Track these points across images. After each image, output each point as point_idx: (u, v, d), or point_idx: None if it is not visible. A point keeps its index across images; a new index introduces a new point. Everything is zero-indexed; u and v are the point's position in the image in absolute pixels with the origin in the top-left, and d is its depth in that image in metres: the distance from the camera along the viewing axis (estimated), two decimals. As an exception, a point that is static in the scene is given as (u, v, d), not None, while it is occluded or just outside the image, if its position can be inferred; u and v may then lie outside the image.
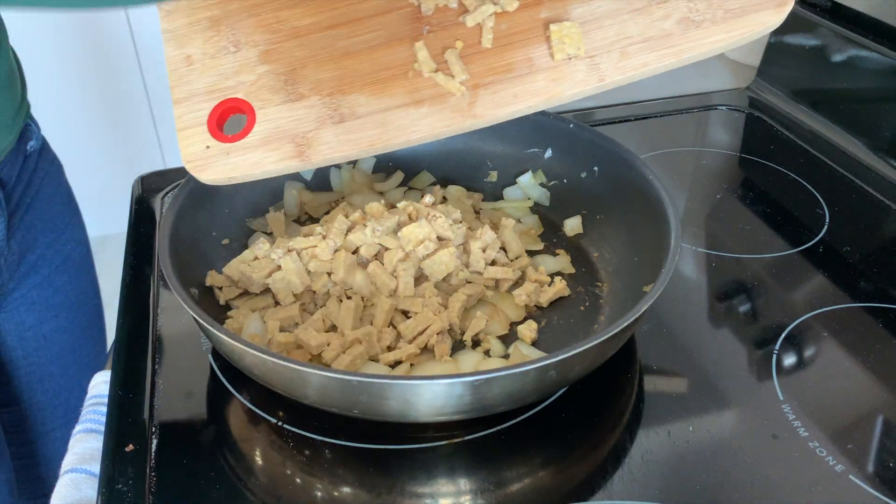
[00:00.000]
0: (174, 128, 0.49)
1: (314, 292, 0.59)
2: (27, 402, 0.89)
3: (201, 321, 0.47)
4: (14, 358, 0.86)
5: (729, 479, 0.47)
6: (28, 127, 0.78)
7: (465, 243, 0.63)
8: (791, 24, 0.87)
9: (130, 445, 0.49)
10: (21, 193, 0.77)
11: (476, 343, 0.58)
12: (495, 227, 0.67)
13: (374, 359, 0.54)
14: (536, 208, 0.71)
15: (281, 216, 0.67)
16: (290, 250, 0.59)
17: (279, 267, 0.59)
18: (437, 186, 0.72)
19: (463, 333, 0.57)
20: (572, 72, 0.48)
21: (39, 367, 0.88)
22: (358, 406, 0.46)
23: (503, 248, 0.64)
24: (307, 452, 0.49)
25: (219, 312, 0.58)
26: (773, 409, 0.52)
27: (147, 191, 0.76)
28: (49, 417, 0.91)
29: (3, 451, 0.81)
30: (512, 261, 0.64)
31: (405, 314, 0.58)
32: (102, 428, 0.54)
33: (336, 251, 0.60)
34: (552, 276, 0.63)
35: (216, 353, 0.56)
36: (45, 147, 0.83)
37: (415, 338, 0.55)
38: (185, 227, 0.57)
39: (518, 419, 0.51)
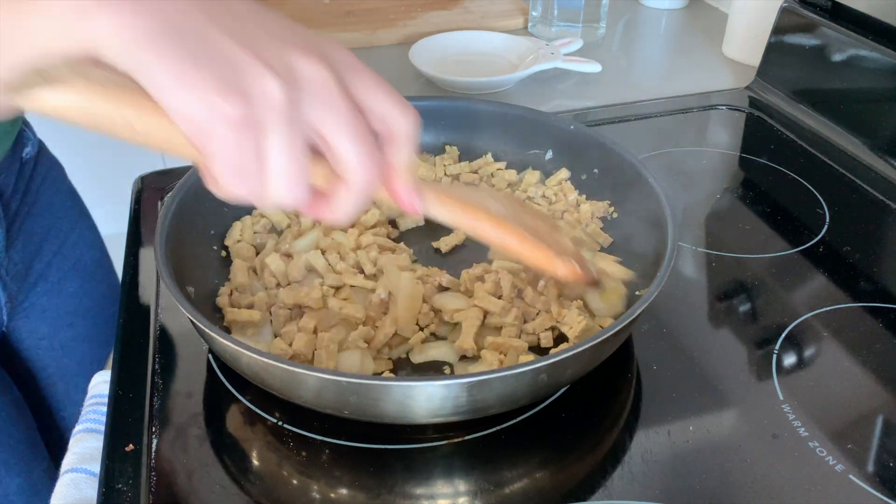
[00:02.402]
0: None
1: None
2: (45, 410, 0.87)
3: (196, 321, 0.47)
4: (31, 368, 0.84)
5: (729, 479, 0.47)
6: (23, 133, 0.76)
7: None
8: (791, 24, 0.87)
9: (130, 445, 0.49)
10: (19, 202, 0.76)
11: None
12: None
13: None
14: (536, 208, 0.71)
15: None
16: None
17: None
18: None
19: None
20: None
21: (60, 378, 0.85)
22: (349, 407, 0.46)
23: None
24: (306, 452, 0.49)
25: (214, 311, 0.58)
26: (773, 408, 0.52)
27: (147, 191, 0.76)
28: (68, 426, 0.90)
29: (39, 445, 0.80)
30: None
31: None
32: (102, 428, 0.54)
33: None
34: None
35: (216, 353, 0.56)
36: (42, 151, 0.81)
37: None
38: (182, 226, 0.57)
39: (517, 419, 0.51)
